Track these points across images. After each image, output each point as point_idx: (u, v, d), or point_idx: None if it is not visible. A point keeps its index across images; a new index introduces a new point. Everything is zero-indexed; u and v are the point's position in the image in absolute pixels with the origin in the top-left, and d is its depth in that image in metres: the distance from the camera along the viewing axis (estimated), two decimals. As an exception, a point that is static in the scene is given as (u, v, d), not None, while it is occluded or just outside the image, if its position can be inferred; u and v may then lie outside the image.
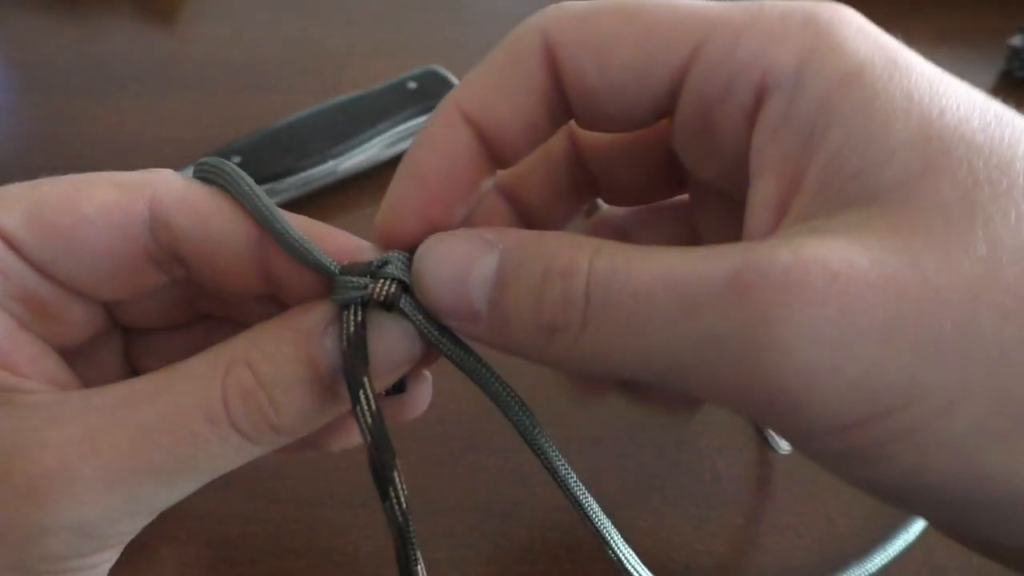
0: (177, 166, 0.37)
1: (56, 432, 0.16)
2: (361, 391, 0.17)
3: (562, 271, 0.16)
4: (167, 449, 0.16)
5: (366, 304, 0.18)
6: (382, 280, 0.18)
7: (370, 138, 0.39)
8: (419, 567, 0.18)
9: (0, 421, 0.16)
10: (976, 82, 0.48)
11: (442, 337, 0.18)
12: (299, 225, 0.18)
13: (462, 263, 0.17)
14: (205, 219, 0.18)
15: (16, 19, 0.52)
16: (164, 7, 0.54)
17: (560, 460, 0.19)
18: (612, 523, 0.21)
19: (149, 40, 0.51)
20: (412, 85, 0.42)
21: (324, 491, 0.28)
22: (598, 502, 0.28)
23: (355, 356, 0.17)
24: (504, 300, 0.17)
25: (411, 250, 0.19)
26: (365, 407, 0.17)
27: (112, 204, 0.17)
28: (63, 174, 0.18)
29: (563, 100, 0.18)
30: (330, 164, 0.39)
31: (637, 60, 0.17)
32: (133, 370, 0.22)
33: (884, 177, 0.15)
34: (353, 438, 0.21)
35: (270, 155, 0.38)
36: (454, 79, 0.43)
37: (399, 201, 0.19)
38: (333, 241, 0.19)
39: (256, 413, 0.17)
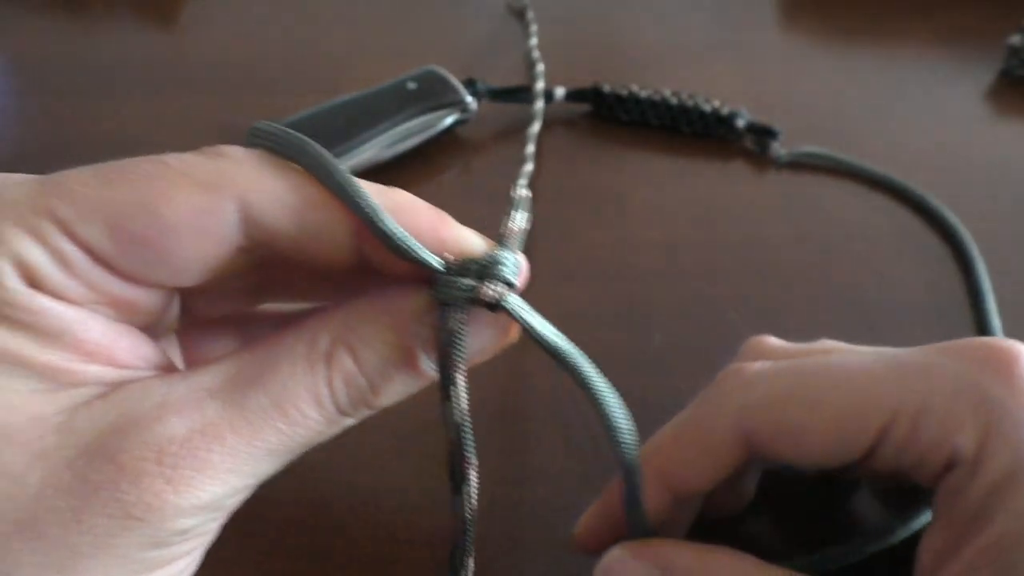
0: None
1: (178, 421, 0.16)
2: (453, 388, 0.18)
3: None
4: (282, 431, 0.17)
5: (470, 302, 0.18)
6: (491, 282, 0.18)
7: (370, 138, 0.39)
8: (470, 566, 0.20)
9: (117, 411, 0.16)
10: (975, 81, 0.49)
11: (543, 332, 0.19)
12: (395, 204, 0.18)
13: None
14: (300, 216, 0.17)
15: (16, 20, 0.52)
16: (164, 8, 0.54)
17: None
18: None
19: (149, 41, 0.51)
20: (412, 85, 0.42)
21: (324, 491, 0.28)
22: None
23: (452, 354, 0.18)
24: None
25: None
26: (455, 404, 0.18)
27: (198, 211, 0.16)
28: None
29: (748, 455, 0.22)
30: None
31: (828, 446, 0.21)
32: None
33: None
34: None
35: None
36: (454, 79, 0.43)
37: (592, 517, 0.24)
38: (431, 228, 0.18)
39: (357, 396, 0.18)
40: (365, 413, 0.19)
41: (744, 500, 0.25)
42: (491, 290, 0.18)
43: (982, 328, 0.34)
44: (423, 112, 0.41)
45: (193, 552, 0.18)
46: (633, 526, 0.22)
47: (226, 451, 0.16)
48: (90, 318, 0.17)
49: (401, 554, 0.26)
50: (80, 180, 0.16)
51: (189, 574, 0.18)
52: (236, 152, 0.17)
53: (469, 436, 0.18)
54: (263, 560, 0.26)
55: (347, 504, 0.28)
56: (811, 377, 0.22)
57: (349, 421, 0.19)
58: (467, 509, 0.19)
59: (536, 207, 0.39)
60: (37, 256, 0.16)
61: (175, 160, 0.17)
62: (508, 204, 0.19)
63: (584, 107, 0.45)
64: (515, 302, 0.18)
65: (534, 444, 0.30)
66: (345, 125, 0.40)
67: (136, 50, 0.50)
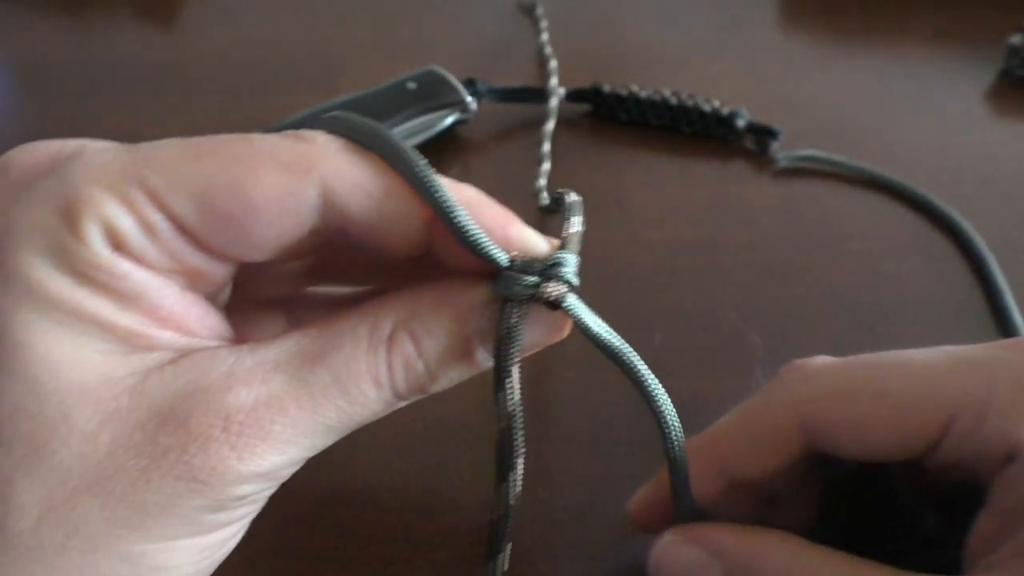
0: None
1: (246, 392, 0.17)
2: (508, 379, 0.19)
3: None
4: (342, 409, 0.18)
5: (531, 299, 0.18)
6: (554, 282, 0.18)
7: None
8: (507, 551, 0.20)
9: (187, 378, 0.17)
10: (975, 81, 0.49)
11: (599, 331, 0.20)
12: (467, 200, 0.18)
13: (689, 570, 0.21)
14: (378, 204, 0.18)
15: (16, 20, 0.52)
16: (164, 8, 0.54)
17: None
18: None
19: (149, 41, 0.51)
20: (412, 85, 0.42)
21: (325, 491, 0.28)
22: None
23: (509, 346, 0.18)
24: None
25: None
26: (508, 394, 0.19)
27: (282, 191, 0.17)
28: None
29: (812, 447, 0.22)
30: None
31: (891, 439, 0.21)
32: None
33: None
34: None
35: (270, 155, 0.38)
36: (454, 79, 0.43)
37: (645, 495, 0.25)
38: (499, 226, 0.19)
39: (414, 380, 0.19)
40: (417, 397, 0.19)
41: (805, 518, 0.25)
42: (554, 289, 0.18)
43: (1003, 323, 0.34)
44: (423, 112, 0.41)
45: (245, 519, 0.19)
46: (682, 515, 0.22)
47: (288, 423, 0.17)
48: (166, 285, 0.17)
49: (401, 554, 0.26)
50: (170, 153, 0.17)
51: (236, 541, 0.19)
52: (320, 137, 0.18)
53: (520, 426, 0.19)
54: (263, 560, 0.26)
55: (347, 504, 0.28)
56: (874, 370, 0.22)
57: (402, 404, 0.19)
58: (512, 496, 0.19)
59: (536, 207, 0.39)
60: (125, 222, 0.16)
61: (261, 141, 0.18)
62: (565, 210, 0.20)
63: (584, 107, 0.45)
64: (574, 301, 0.19)
65: (546, 446, 0.30)
66: (345, 125, 0.40)
67: (136, 50, 0.50)
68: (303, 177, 0.17)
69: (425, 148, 0.41)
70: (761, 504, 0.23)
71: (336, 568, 0.26)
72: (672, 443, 0.21)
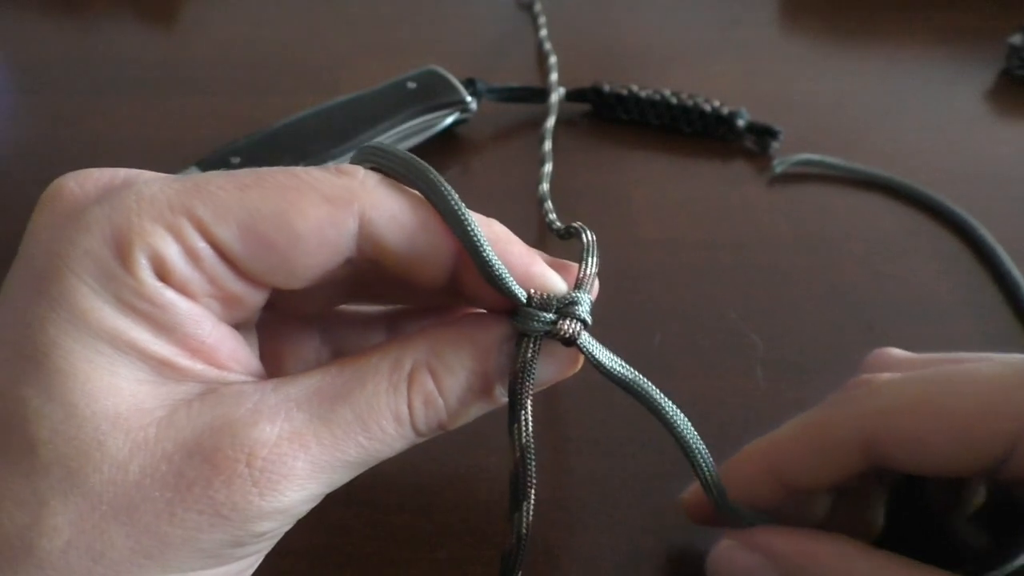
0: (177, 167, 0.37)
1: (269, 428, 0.17)
2: (522, 412, 0.19)
3: None
4: (362, 445, 0.18)
5: (546, 335, 0.19)
6: (569, 319, 0.19)
7: (370, 138, 0.39)
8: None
9: (214, 413, 0.17)
10: (976, 81, 0.49)
11: (612, 366, 0.20)
12: (494, 236, 0.19)
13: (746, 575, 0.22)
14: (412, 236, 0.18)
15: (16, 20, 0.52)
16: (164, 8, 0.54)
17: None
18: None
19: (149, 41, 0.51)
20: (412, 85, 0.42)
21: (324, 491, 0.28)
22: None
23: (524, 380, 0.19)
24: None
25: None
26: (522, 426, 0.19)
27: (324, 222, 0.18)
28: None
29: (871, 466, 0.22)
30: (330, 164, 0.39)
31: (957, 457, 0.20)
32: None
33: None
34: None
35: (269, 156, 0.38)
36: (454, 79, 0.43)
37: (697, 493, 0.24)
38: (522, 264, 0.19)
39: (434, 417, 0.19)
40: (436, 433, 0.20)
41: (872, 531, 0.25)
42: (569, 326, 0.19)
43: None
44: (423, 112, 0.41)
45: (259, 554, 0.19)
46: (734, 521, 0.23)
47: (309, 459, 0.17)
48: (203, 317, 0.18)
49: (400, 554, 0.26)
50: (218, 184, 0.17)
51: (252, 571, 0.20)
52: (359, 171, 0.19)
53: (532, 458, 0.19)
54: (263, 560, 0.26)
55: (347, 504, 0.28)
56: (939, 386, 0.22)
57: (421, 440, 0.20)
58: (524, 525, 0.20)
59: (536, 207, 0.39)
60: (172, 252, 0.17)
61: (305, 173, 0.18)
62: (583, 250, 0.21)
63: (584, 107, 0.45)
64: (587, 339, 0.20)
65: (547, 447, 0.29)
66: (345, 125, 0.40)
67: (136, 50, 0.50)
68: (344, 209, 0.18)
69: (425, 148, 0.41)
70: (821, 506, 0.24)
71: (336, 568, 0.26)
72: (701, 468, 0.22)
